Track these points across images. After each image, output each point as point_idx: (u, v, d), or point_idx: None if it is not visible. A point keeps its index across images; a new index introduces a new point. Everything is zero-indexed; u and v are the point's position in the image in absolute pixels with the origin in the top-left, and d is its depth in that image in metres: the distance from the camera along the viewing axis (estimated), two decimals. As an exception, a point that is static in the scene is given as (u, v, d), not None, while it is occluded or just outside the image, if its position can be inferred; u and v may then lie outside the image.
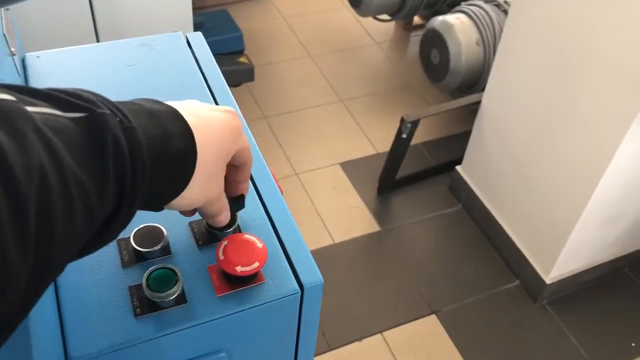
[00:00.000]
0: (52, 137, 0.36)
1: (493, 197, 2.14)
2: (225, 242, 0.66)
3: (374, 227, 2.26)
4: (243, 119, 0.87)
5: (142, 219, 0.69)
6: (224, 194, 0.64)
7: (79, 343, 0.60)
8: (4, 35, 0.74)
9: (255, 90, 2.72)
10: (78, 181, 0.38)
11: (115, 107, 0.46)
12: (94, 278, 0.66)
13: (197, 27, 2.23)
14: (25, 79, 0.88)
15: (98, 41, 1.81)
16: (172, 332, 0.63)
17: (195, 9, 2.03)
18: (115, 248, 0.68)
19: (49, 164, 0.35)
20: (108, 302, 0.64)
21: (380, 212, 2.32)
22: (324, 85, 2.83)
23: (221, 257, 0.65)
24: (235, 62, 2.45)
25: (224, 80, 0.93)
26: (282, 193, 0.89)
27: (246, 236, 0.67)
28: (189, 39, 0.99)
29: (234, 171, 0.64)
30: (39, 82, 0.88)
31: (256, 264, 0.65)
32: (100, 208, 0.41)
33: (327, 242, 2.18)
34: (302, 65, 2.93)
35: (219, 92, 0.91)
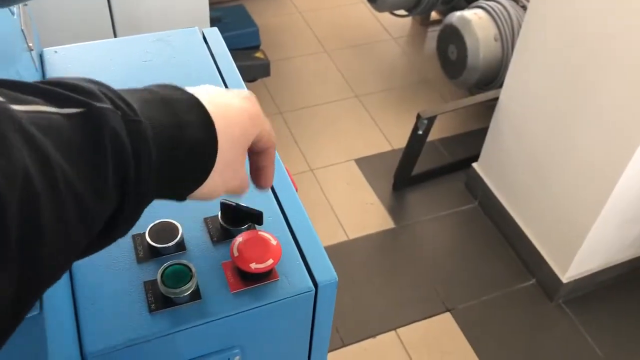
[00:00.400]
0: (40, 137, 0.35)
1: (510, 195, 2.12)
2: (239, 239, 0.66)
3: (389, 223, 2.25)
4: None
5: (157, 215, 0.69)
6: (246, 177, 0.60)
7: (94, 338, 0.60)
8: (22, 30, 0.75)
9: (271, 85, 2.72)
10: (69, 182, 0.36)
11: (121, 98, 0.44)
12: (109, 273, 0.66)
13: (213, 22, 2.23)
14: (43, 74, 0.88)
15: (115, 36, 1.82)
16: (187, 328, 0.63)
17: (212, 3, 2.03)
18: (130, 244, 0.69)
19: (34, 166, 0.33)
20: (123, 297, 0.64)
21: (396, 208, 2.31)
22: (339, 80, 2.82)
23: (235, 253, 0.65)
24: (251, 57, 2.45)
25: (240, 76, 0.93)
26: (296, 190, 0.89)
27: (261, 233, 0.67)
28: (205, 35, 0.99)
29: (257, 157, 0.62)
30: (58, 75, 0.89)
31: (270, 261, 0.65)
32: (99, 206, 0.40)
33: (342, 238, 2.18)
34: (317, 60, 2.92)
35: (235, 87, 0.90)
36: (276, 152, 0.82)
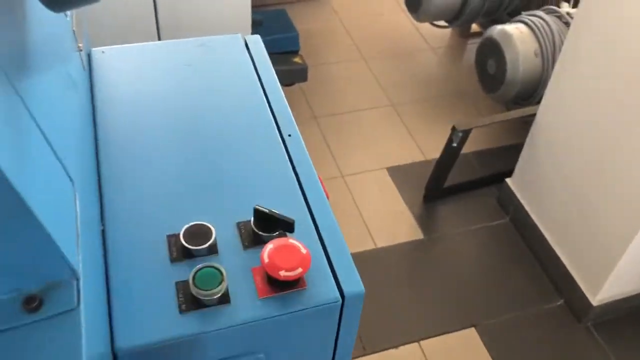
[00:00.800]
0: None
1: (542, 213, 2.09)
2: (270, 246, 0.67)
3: (418, 234, 2.24)
4: (293, 119, 0.89)
5: (192, 217, 0.71)
6: None
7: (126, 335, 0.62)
8: (74, 31, 0.77)
9: (308, 90, 2.73)
10: None
11: None
12: (144, 271, 0.68)
13: (255, 25, 2.26)
14: (90, 73, 0.91)
15: (159, 38, 1.86)
16: (215, 331, 0.64)
17: (254, 6, 2.06)
18: (165, 244, 0.70)
19: None
20: (155, 296, 0.66)
21: (425, 219, 2.30)
22: (376, 88, 2.82)
23: (266, 260, 0.66)
24: (289, 62, 2.47)
25: (278, 83, 0.94)
26: (328, 198, 0.90)
27: (291, 241, 0.68)
28: (247, 42, 1.01)
29: None
30: (102, 76, 0.92)
31: (299, 270, 0.66)
32: None
33: (370, 246, 2.18)
34: (355, 67, 2.93)
35: (272, 94, 0.92)
36: (310, 160, 0.84)
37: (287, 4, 3.20)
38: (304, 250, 0.67)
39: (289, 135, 0.85)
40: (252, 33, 2.11)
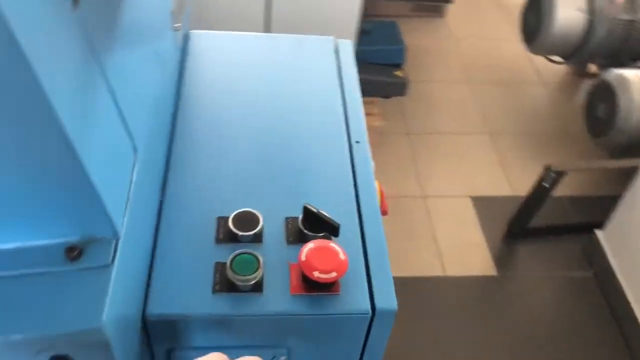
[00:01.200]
0: None
1: (631, 274, 1.95)
2: (311, 245, 0.68)
3: (491, 270, 2.16)
4: (366, 128, 0.89)
5: (245, 204, 0.73)
6: None
7: (158, 303, 0.65)
8: (172, 10, 0.82)
9: (405, 105, 2.71)
10: None
11: None
12: (189, 247, 0.70)
13: (363, 34, 2.28)
14: (183, 52, 0.96)
15: (268, 31, 1.93)
16: (242, 316, 0.66)
17: (366, 15, 2.08)
18: (214, 225, 0.73)
19: None
20: (194, 272, 0.68)
21: (502, 257, 2.21)
22: (475, 114, 2.75)
23: (303, 258, 0.67)
24: (390, 74, 2.46)
25: (359, 91, 0.94)
26: (385, 213, 0.89)
27: (332, 245, 0.68)
28: (338, 45, 1.03)
29: None
30: (194, 57, 0.96)
31: (334, 274, 0.66)
32: None
33: (437, 272, 2.13)
34: (458, 89, 2.87)
35: (350, 100, 0.92)
36: (371, 171, 0.83)
37: (403, 17, 3.19)
38: (342, 256, 0.67)
39: (357, 142, 0.85)
40: (359, 41, 2.14)
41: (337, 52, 1.01)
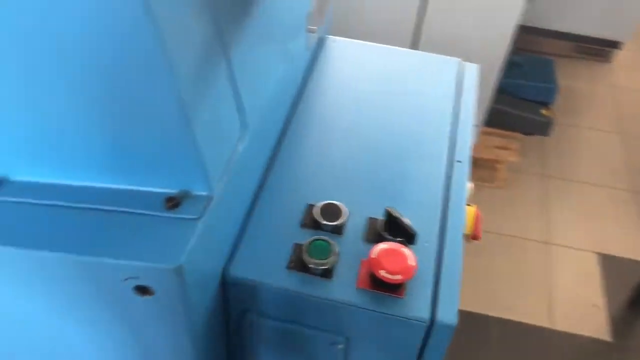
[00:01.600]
0: None
1: None
2: (383, 245, 0.71)
3: (606, 335, 2.01)
4: (471, 150, 0.90)
5: (334, 196, 0.79)
6: None
7: (240, 266, 0.72)
8: (309, 12, 0.90)
9: (546, 145, 2.60)
10: None
11: None
12: (277, 223, 0.77)
13: (513, 66, 2.24)
14: (315, 53, 1.04)
15: (414, 47, 1.97)
16: (308, 295, 0.71)
17: (519, 48, 2.04)
18: (303, 209, 0.79)
19: None
20: (275, 247, 0.75)
21: (622, 323, 2.04)
22: (620, 168, 2.56)
23: (373, 255, 0.70)
24: (536, 112, 2.38)
25: (472, 118, 0.96)
26: (476, 238, 0.90)
27: (404, 249, 0.71)
28: (464, 68, 1.04)
29: None
30: (322, 60, 1.04)
31: (399, 277, 0.69)
32: None
33: (544, 323, 2.02)
34: (607, 139, 2.69)
35: (462, 122, 0.94)
36: (465, 191, 0.85)
37: (564, 57, 3.07)
38: (412, 262, 0.70)
39: (458, 161, 0.87)
40: (508, 72, 2.10)
41: (460, 74, 1.03)
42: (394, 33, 1.89)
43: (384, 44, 1.11)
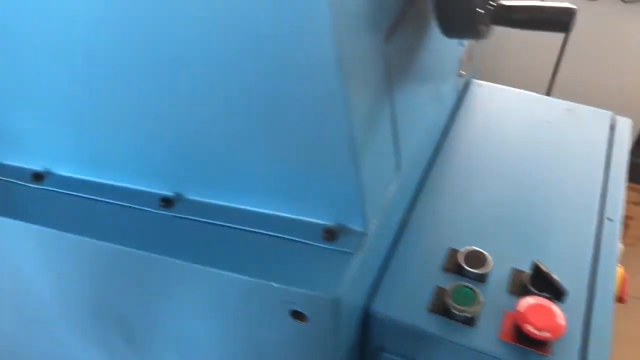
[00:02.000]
0: None
1: None
2: (531, 300, 0.69)
3: None
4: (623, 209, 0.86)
5: (480, 244, 0.78)
6: None
7: (383, 302, 0.73)
8: (460, 58, 0.91)
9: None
10: None
11: None
12: (418, 265, 0.78)
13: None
14: (461, 96, 1.05)
15: (548, 94, 1.92)
16: (448, 341, 0.70)
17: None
18: (445, 253, 0.79)
19: None
20: (417, 288, 0.75)
21: None
22: None
23: (521, 309, 0.69)
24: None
25: (624, 175, 0.92)
26: (622, 300, 0.86)
27: (553, 306, 0.69)
28: (616, 122, 1.01)
29: None
30: (467, 104, 1.04)
31: (547, 334, 0.67)
32: None
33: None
34: None
35: (614, 178, 0.90)
36: (617, 250, 0.81)
37: None
38: (562, 321, 0.67)
39: (609, 219, 0.84)
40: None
41: (612, 128, 1.00)
42: (532, 79, 1.86)
43: (519, 85, 1.10)
